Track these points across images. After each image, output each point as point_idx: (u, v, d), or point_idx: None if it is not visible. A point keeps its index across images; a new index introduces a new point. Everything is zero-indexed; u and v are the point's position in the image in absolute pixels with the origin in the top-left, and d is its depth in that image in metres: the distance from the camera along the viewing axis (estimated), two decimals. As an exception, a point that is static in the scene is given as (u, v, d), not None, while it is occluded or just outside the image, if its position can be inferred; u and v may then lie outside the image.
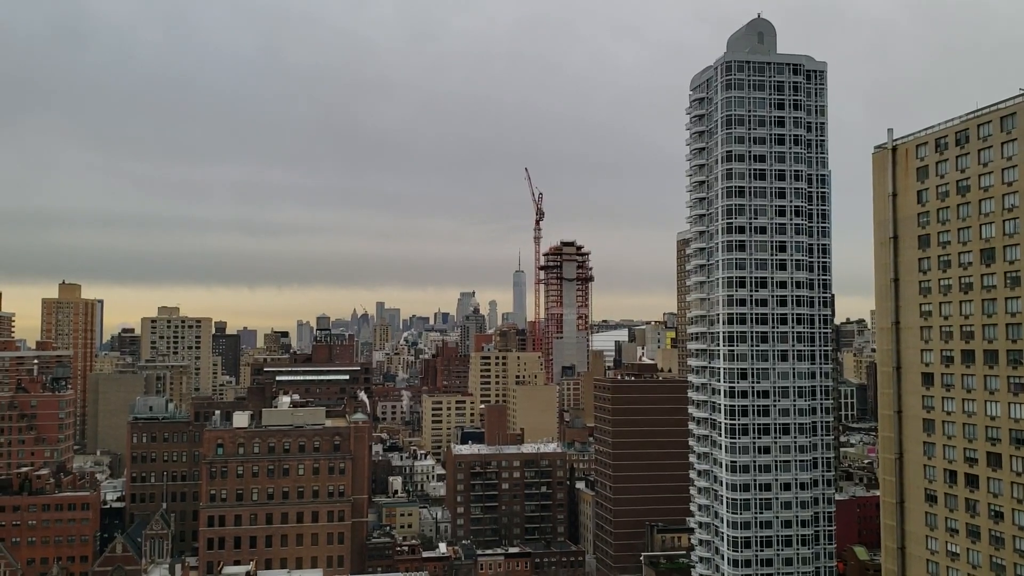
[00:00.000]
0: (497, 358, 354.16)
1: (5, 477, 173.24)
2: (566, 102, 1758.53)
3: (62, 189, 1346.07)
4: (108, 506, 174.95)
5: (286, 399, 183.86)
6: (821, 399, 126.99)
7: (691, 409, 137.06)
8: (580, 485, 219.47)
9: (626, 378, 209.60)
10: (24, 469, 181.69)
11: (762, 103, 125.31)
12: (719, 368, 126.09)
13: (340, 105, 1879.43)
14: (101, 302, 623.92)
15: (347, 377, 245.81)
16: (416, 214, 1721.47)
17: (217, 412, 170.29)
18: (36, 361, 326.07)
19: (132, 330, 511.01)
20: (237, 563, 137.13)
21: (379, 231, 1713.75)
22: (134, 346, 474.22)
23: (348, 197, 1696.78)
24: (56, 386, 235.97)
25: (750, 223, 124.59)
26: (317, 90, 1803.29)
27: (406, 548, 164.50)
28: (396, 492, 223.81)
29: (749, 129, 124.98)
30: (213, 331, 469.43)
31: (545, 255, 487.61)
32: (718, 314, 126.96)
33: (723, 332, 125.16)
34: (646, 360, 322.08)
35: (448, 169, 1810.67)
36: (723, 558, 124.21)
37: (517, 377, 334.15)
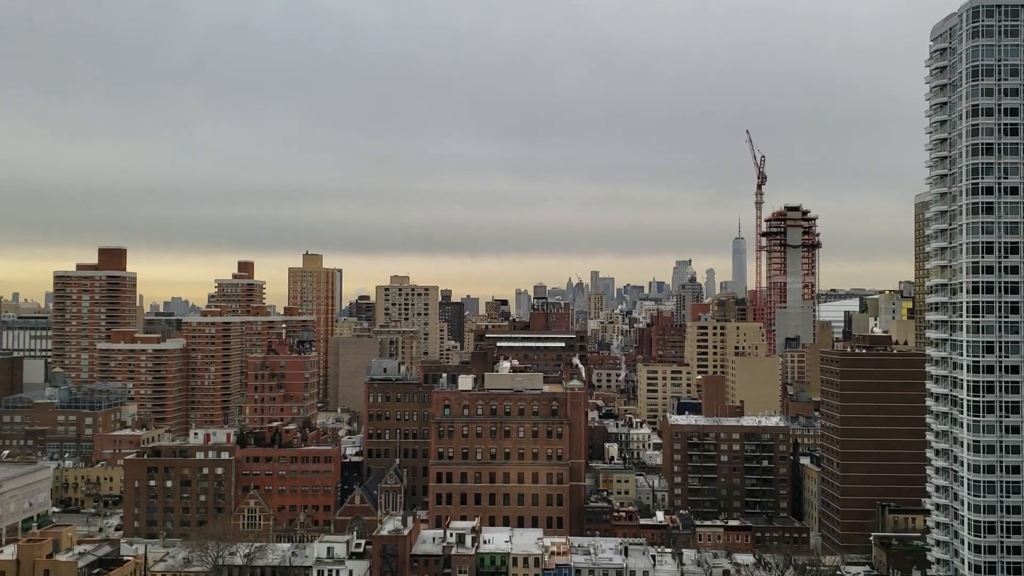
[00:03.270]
0: (715, 328, 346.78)
1: (259, 431, 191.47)
2: (788, 55, 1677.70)
3: (301, 167, 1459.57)
4: (347, 460, 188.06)
5: (506, 364, 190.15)
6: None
7: (929, 385, 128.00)
8: (804, 460, 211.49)
9: (856, 350, 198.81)
10: (275, 424, 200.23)
11: (1015, 51, 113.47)
12: (962, 341, 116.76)
13: (553, 73, 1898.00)
14: (340, 271, 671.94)
15: (563, 344, 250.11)
16: (630, 181, 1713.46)
17: (444, 375, 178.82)
18: (284, 325, 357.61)
19: (367, 297, 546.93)
20: (463, 518, 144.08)
21: (593, 199, 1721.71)
22: (369, 312, 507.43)
23: (562, 166, 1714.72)
24: (302, 348, 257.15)
25: (999, 183, 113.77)
26: (531, 60, 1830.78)
27: (623, 514, 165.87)
28: (612, 458, 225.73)
29: (999, 80, 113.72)
30: (439, 299, 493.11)
31: (767, 221, 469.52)
32: (961, 283, 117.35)
33: (967, 302, 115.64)
34: (878, 332, 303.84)
35: (662, 133, 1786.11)
36: (963, 543, 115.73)
37: (736, 348, 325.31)
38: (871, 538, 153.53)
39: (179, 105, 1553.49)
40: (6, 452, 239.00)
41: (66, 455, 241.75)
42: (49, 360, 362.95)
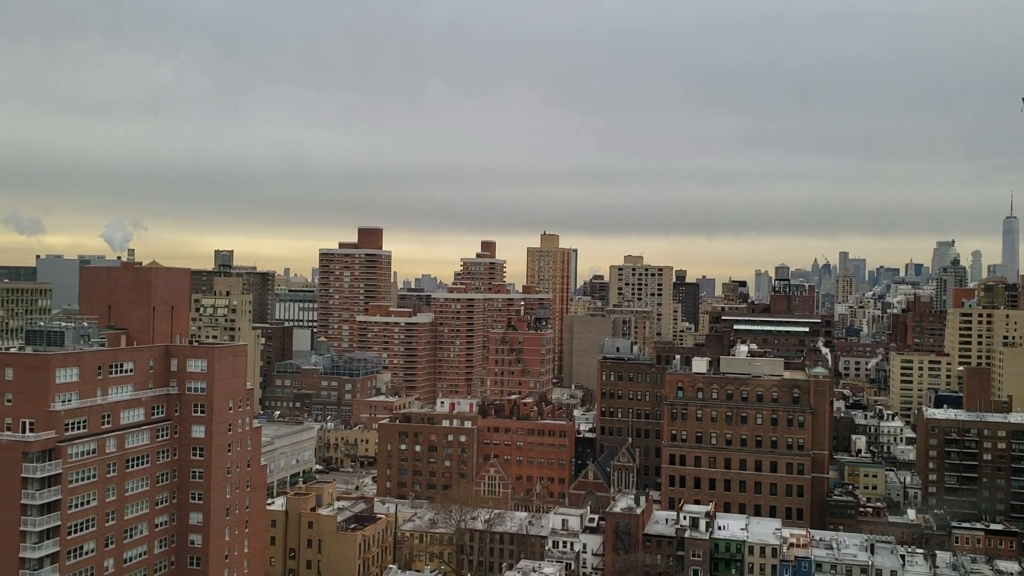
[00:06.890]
0: (980, 315, 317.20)
1: (499, 402, 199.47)
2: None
3: (537, 147, 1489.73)
4: (581, 435, 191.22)
5: (743, 348, 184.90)
6: None
7: None
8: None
9: None
10: (513, 396, 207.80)
11: None
12: None
13: (793, 45, 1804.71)
14: (575, 251, 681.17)
15: (806, 329, 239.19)
16: (882, 156, 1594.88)
17: (677, 356, 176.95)
18: (522, 303, 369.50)
19: (601, 277, 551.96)
20: (697, 502, 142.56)
21: (840, 176, 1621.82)
22: (603, 291, 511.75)
23: (805, 141, 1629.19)
24: (538, 325, 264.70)
25: None
26: (769, 32, 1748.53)
27: (870, 510, 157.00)
28: (859, 451, 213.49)
29: None
30: (673, 279, 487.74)
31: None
32: None
33: None
34: None
35: (917, 104, 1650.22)
36: None
37: (1005, 337, 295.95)
38: None
39: (424, 92, 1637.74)
40: (277, 413, 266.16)
41: (328, 417, 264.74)
42: (314, 330, 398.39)
